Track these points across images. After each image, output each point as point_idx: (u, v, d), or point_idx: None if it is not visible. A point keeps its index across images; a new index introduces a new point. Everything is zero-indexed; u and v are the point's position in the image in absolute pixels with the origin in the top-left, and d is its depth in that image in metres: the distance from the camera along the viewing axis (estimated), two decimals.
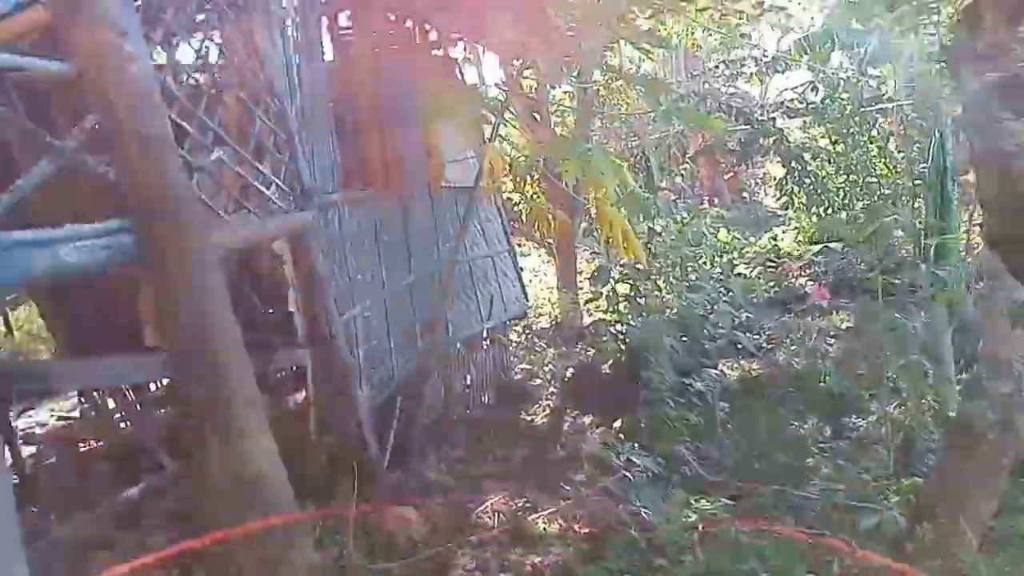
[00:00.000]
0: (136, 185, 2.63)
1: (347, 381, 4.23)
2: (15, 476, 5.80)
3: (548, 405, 8.17)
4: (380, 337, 5.90)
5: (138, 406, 6.68)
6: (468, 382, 7.99)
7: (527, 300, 9.73)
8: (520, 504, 5.35)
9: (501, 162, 5.05)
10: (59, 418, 8.65)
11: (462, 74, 8.53)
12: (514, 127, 6.25)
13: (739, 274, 10.35)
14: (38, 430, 9.56)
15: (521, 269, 9.96)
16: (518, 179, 6.85)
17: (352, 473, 4.54)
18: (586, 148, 4.83)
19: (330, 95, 5.84)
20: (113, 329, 7.43)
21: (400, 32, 7.53)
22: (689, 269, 7.60)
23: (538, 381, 8.81)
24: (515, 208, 12.92)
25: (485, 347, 8.42)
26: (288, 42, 4.38)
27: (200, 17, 3.46)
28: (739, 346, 8.23)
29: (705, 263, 7.66)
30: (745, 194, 21.80)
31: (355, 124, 6.76)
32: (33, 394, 8.43)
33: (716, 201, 21.95)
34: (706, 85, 15.28)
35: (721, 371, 7.69)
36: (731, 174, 20.83)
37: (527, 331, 10.25)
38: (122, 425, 6.82)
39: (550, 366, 9.05)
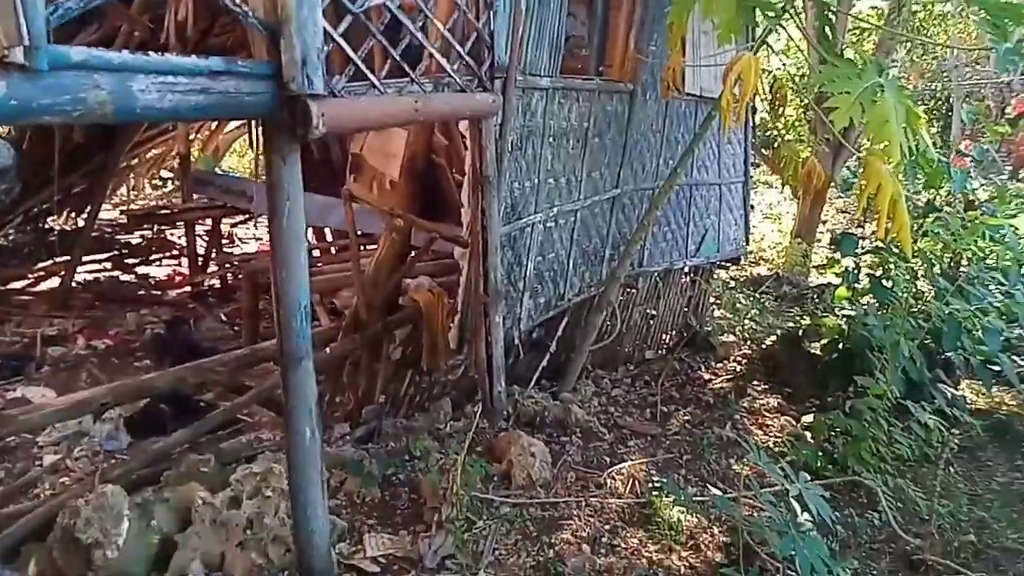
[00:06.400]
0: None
1: (487, 304, 3.65)
2: None
3: (734, 368, 7.15)
4: (560, 251, 5.22)
5: None
6: (650, 319, 7.16)
7: (747, 243, 8.47)
8: (657, 482, 4.60)
9: (756, 78, 3.90)
10: None
11: None
12: (791, 39, 4.94)
13: None
14: None
15: (752, 207, 8.64)
16: (777, 102, 5.58)
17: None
18: (876, 84, 3.55)
19: None
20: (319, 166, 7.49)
21: None
22: (964, 264, 5.92)
23: (732, 337, 7.74)
24: (767, 133, 11.27)
25: (682, 285, 7.46)
26: None
27: None
28: (996, 369, 6.44)
29: (988, 259, 5.91)
30: None
31: (603, 3, 5.82)
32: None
33: (1022, 174, 17.96)
34: None
35: (963, 396, 6.13)
36: None
37: (736, 279, 9.01)
38: None
39: (751, 324, 7.90)
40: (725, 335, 7.78)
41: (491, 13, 3.15)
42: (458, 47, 2.97)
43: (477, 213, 3.52)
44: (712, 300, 8.25)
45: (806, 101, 7.58)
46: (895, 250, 5.47)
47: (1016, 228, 6.29)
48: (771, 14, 3.99)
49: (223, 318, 8.13)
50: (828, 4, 4.54)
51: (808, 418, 5.79)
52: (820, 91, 5.40)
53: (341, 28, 2.42)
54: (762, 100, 7.13)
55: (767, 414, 6.14)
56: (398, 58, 2.68)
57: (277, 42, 2.25)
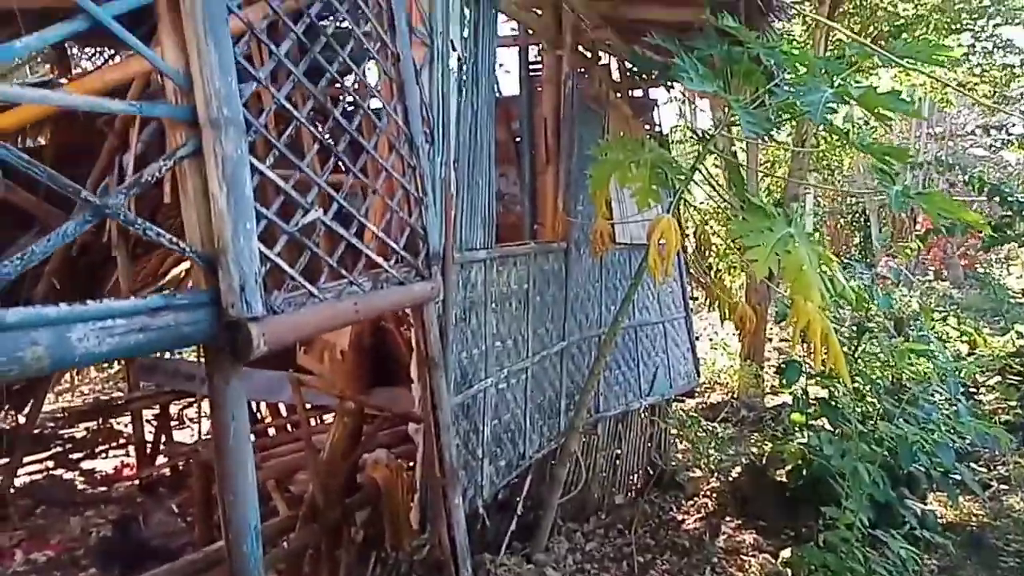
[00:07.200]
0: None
1: (445, 486, 3.60)
2: None
3: (705, 503, 7.06)
4: (516, 411, 5.24)
5: None
6: (615, 463, 7.10)
7: (698, 374, 8.63)
8: None
9: (677, 236, 4.15)
10: None
11: (657, 121, 7.76)
12: (705, 192, 5.34)
13: (971, 388, 8.41)
14: None
15: (697, 338, 8.89)
16: (703, 246, 5.94)
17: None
18: (787, 235, 3.83)
19: (501, 134, 5.33)
20: None
21: (597, 68, 6.92)
22: (905, 381, 6.13)
23: (698, 472, 7.70)
24: (702, 264, 11.78)
25: (642, 425, 7.48)
26: (448, 77, 3.87)
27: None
28: (957, 479, 6.52)
29: (927, 376, 6.13)
30: (981, 269, 18.64)
31: (530, 168, 6.23)
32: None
33: (945, 274, 19.04)
34: (951, 148, 13.07)
35: (931, 511, 6.14)
36: (966, 253, 17.85)
37: (693, 411, 9.09)
38: None
39: (715, 455, 7.89)
40: (691, 470, 7.74)
41: (422, 208, 3.34)
42: (394, 245, 3.12)
43: (426, 393, 3.55)
44: (674, 433, 8.27)
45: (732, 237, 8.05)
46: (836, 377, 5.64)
47: (947, 335, 6.58)
48: (682, 176, 4.33)
49: (175, 509, 7.75)
50: (735, 163, 4.95)
51: (785, 553, 5.69)
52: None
53: (277, 248, 2.53)
54: (687, 240, 7.55)
55: (744, 553, 6.01)
56: (335, 265, 2.80)
57: (215, 270, 2.33)
